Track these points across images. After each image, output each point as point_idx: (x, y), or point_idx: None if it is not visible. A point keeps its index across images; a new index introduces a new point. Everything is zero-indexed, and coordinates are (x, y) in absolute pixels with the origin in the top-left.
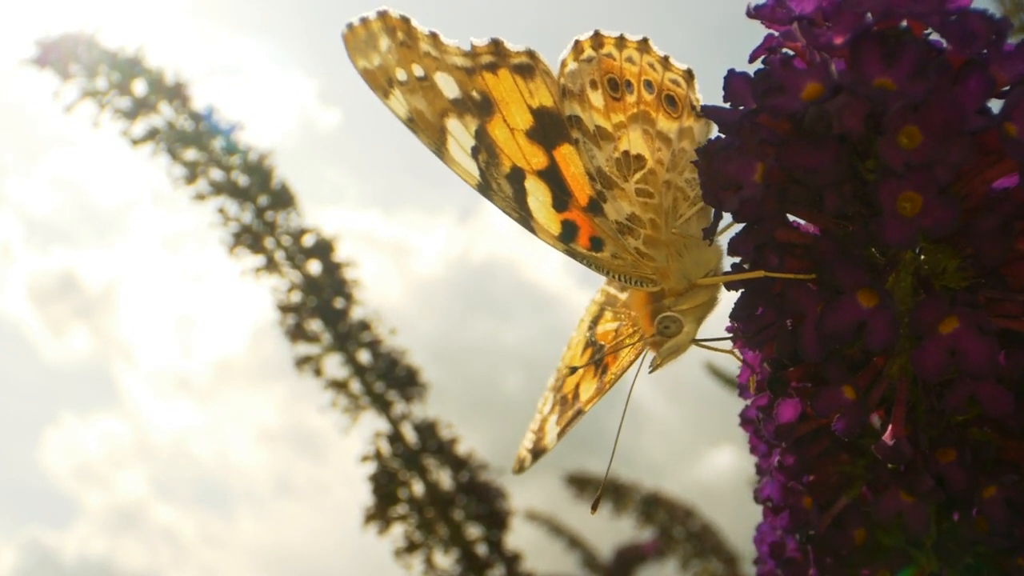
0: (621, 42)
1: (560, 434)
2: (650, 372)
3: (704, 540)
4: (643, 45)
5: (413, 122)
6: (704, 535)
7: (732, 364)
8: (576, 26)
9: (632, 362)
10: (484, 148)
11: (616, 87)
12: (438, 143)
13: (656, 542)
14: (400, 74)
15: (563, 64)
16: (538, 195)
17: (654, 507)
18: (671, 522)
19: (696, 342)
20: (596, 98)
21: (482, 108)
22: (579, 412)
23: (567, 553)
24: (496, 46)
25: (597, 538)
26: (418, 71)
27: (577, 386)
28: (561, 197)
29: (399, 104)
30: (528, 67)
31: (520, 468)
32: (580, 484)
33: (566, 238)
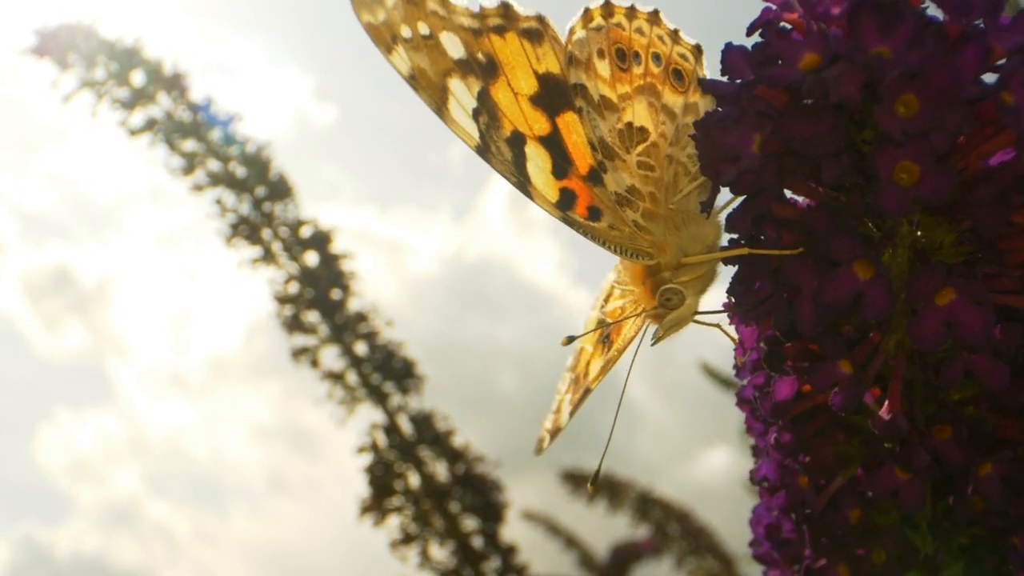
0: (632, 13)
1: (571, 412)
2: (652, 345)
3: (699, 538)
4: (653, 17)
5: (415, 79)
6: (700, 534)
7: (727, 364)
8: None
9: (634, 337)
10: (485, 110)
11: (624, 58)
12: (439, 102)
13: (652, 540)
14: (405, 31)
15: (571, 31)
16: (538, 161)
17: (649, 504)
18: (666, 519)
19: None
20: (603, 68)
21: (487, 70)
22: (587, 390)
23: (564, 553)
24: (505, 9)
25: (593, 536)
26: (423, 29)
27: (588, 364)
28: (561, 164)
29: (402, 61)
30: (537, 32)
31: (539, 449)
32: (575, 481)
33: (563, 206)
